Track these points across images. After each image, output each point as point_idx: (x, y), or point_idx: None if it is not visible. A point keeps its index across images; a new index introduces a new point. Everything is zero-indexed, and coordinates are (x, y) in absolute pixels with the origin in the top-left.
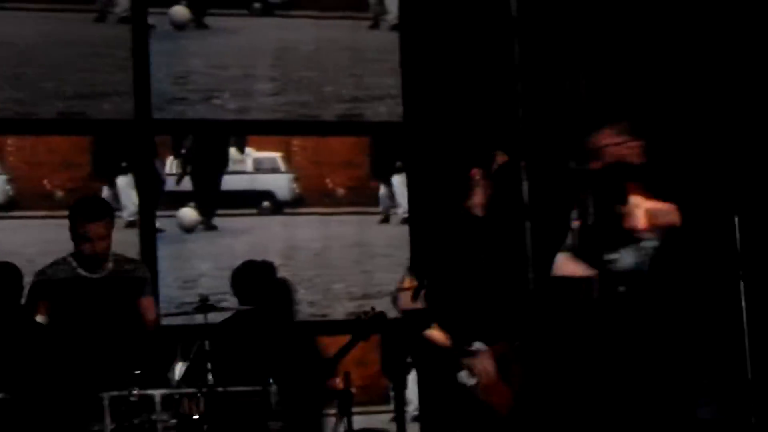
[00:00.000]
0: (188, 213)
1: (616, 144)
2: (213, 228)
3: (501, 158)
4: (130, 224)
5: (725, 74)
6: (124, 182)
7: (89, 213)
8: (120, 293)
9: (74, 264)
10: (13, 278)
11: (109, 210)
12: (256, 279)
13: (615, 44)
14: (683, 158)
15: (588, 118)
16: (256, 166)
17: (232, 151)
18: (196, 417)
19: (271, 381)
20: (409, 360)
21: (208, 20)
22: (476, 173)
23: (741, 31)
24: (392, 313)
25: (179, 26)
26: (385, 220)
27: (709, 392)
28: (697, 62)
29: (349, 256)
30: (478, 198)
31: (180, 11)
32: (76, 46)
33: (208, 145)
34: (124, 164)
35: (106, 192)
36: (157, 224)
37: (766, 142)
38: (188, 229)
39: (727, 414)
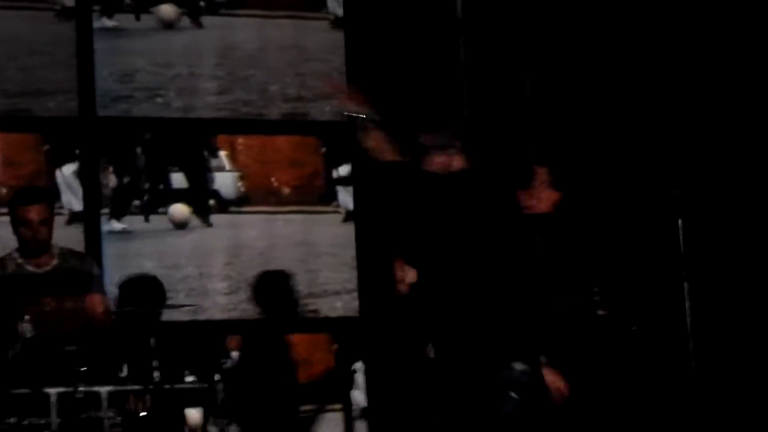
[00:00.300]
0: (180, 209)
1: (437, 147)
2: (209, 225)
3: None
4: (71, 221)
5: (670, 73)
6: (68, 178)
7: (27, 197)
8: (67, 288)
9: (19, 259)
10: None
11: (47, 195)
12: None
13: (560, 43)
14: (627, 158)
15: (533, 117)
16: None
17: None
18: (142, 414)
19: (217, 378)
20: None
21: (148, 20)
22: (542, 173)
23: (683, 29)
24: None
25: (167, 25)
26: (348, 218)
27: (513, 386)
28: (642, 62)
29: (295, 256)
30: (543, 195)
31: (168, 10)
32: (19, 43)
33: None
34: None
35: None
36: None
37: (712, 144)
38: (180, 226)
39: (527, 407)
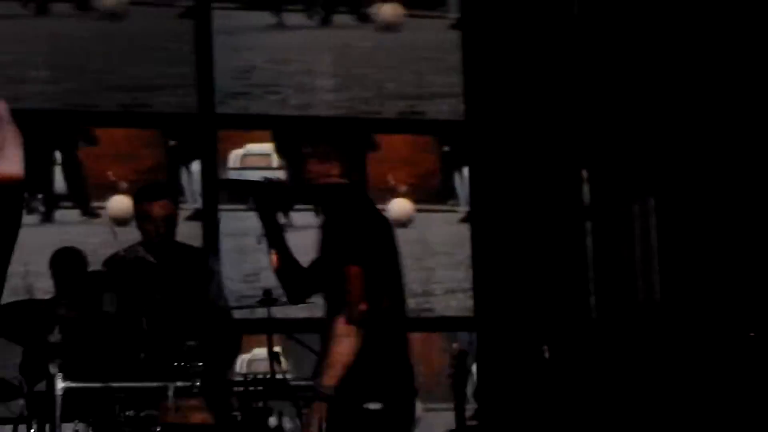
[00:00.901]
0: (401, 205)
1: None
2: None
3: None
4: (191, 217)
5: None
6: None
7: (150, 193)
8: (188, 281)
9: (142, 251)
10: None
11: (171, 191)
12: None
13: (678, 40)
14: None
15: (650, 117)
16: None
17: None
18: (258, 406)
19: None
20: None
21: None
22: None
23: None
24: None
25: (386, 28)
26: (465, 219)
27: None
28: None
29: (410, 253)
30: None
31: (388, 10)
32: (139, 39)
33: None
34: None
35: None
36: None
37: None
38: (402, 224)
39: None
